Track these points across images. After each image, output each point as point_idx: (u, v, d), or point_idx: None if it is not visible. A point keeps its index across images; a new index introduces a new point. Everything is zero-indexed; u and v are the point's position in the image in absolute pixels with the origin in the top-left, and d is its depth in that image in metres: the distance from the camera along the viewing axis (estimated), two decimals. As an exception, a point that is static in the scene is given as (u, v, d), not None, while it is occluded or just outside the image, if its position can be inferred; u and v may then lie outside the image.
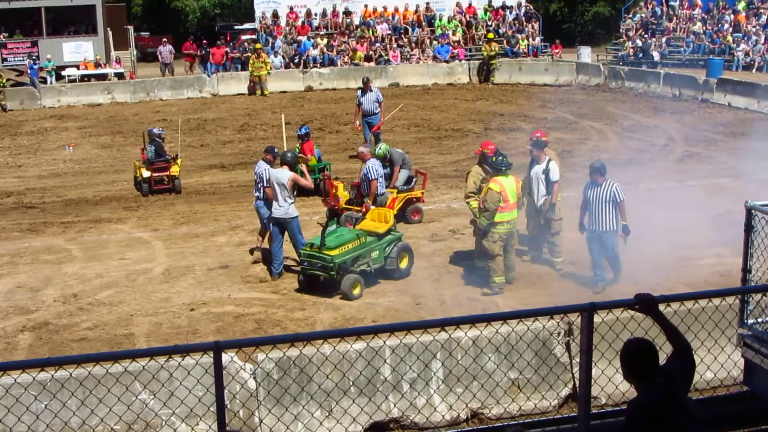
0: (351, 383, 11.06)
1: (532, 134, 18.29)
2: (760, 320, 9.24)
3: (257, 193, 17.92)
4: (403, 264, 17.08)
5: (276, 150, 18.50)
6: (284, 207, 17.04)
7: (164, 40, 51.75)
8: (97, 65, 48.55)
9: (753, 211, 8.87)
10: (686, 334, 10.21)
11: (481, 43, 50.12)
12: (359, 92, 28.45)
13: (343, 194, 20.31)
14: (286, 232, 17.24)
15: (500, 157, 16.09)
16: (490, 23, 53.96)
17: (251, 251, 18.47)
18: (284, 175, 17.12)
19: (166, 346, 12.23)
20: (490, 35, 49.81)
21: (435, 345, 11.24)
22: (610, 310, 8.07)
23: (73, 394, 9.87)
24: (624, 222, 15.55)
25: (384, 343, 11.11)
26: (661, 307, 6.77)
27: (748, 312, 9.11)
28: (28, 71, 46.55)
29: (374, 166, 19.41)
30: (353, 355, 10.95)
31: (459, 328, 11.37)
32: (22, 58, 49.50)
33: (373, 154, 20.51)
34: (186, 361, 10.16)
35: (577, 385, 10.06)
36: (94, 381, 9.84)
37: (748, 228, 8.93)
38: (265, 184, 17.56)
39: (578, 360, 9.28)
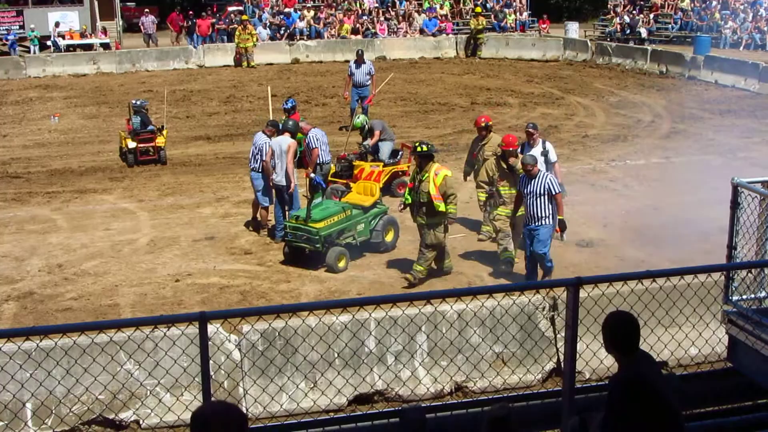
0: (336, 355, 11.08)
1: (478, 120, 18.12)
2: (744, 297, 9.26)
3: (254, 165, 18.01)
4: (389, 237, 17.11)
5: (279, 124, 18.72)
6: (282, 174, 17.47)
7: (146, 10, 51.29)
8: (82, 35, 48.16)
9: (739, 189, 8.88)
10: (671, 311, 10.34)
11: (468, 17, 50.02)
12: (352, 64, 28.38)
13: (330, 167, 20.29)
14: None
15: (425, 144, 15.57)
16: (478, -2, 53.80)
17: (257, 228, 18.41)
18: (285, 141, 17.63)
19: (151, 317, 12.26)
20: (478, 9, 49.62)
21: (420, 318, 11.25)
22: (596, 284, 8.07)
23: (58, 363, 9.86)
24: (560, 216, 14.64)
25: (369, 315, 11.12)
26: (647, 282, 6.78)
27: (733, 289, 9.13)
28: (8, 42, 46.38)
29: (315, 135, 19.33)
30: (338, 327, 10.95)
31: (445, 301, 11.42)
32: (6, 28, 49.13)
33: (353, 125, 21.10)
34: (171, 332, 10.14)
35: (562, 360, 10.08)
36: (79, 350, 9.81)
37: (734, 205, 8.95)
38: (263, 157, 17.77)
39: (563, 334, 9.31)
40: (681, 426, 6.46)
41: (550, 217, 14.49)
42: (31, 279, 15.63)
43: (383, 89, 32.07)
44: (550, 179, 14.60)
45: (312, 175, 18.21)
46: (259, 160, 17.89)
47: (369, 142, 20.68)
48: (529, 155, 15.24)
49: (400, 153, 21.02)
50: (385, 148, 20.71)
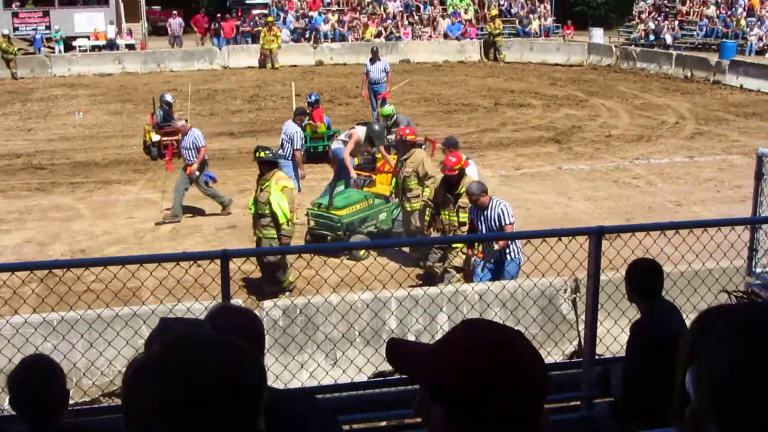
0: (357, 333, 11.08)
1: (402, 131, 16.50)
2: (768, 269, 9.24)
3: (282, 152, 18.15)
4: (411, 227, 17.12)
5: (306, 111, 19.12)
6: None
7: (174, 12, 51.54)
8: (112, 42, 48.24)
9: (764, 159, 8.85)
10: (692, 297, 10.29)
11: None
12: (368, 62, 28.61)
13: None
14: None
15: None
16: (502, 2, 53.81)
17: None
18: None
19: (175, 253, 12.33)
20: (493, 12, 49.64)
21: (442, 298, 11.23)
22: (618, 234, 8.08)
23: (82, 336, 9.89)
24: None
25: (391, 295, 11.12)
26: (670, 233, 6.75)
27: (756, 260, 9.10)
28: (33, 42, 46.76)
29: (199, 135, 19.29)
30: (360, 305, 10.94)
31: (465, 282, 11.41)
32: (33, 28, 49.46)
33: (381, 113, 21.16)
34: (194, 306, 10.17)
35: (583, 342, 10.04)
36: (102, 323, 9.86)
37: (758, 175, 8.92)
38: (295, 146, 18.26)
39: (584, 318, 9.28)
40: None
41: (516, 251, 12.96)
42: (54, 263, 15.71)
43: (406, 90, 32.13)
44: (502, 208, 12.89)
45: (210, 174, 18.84)
46: (288, 149, 18.08)
47: (392, 136, 20.69)
48: (475, 183, 13.47)
49: (423, 146, 21.00)
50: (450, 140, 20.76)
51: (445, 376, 2.12)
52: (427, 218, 15.20)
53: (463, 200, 13.79)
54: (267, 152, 14.22)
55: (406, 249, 15.99)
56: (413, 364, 2.29)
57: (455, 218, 14.14)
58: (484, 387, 2.06)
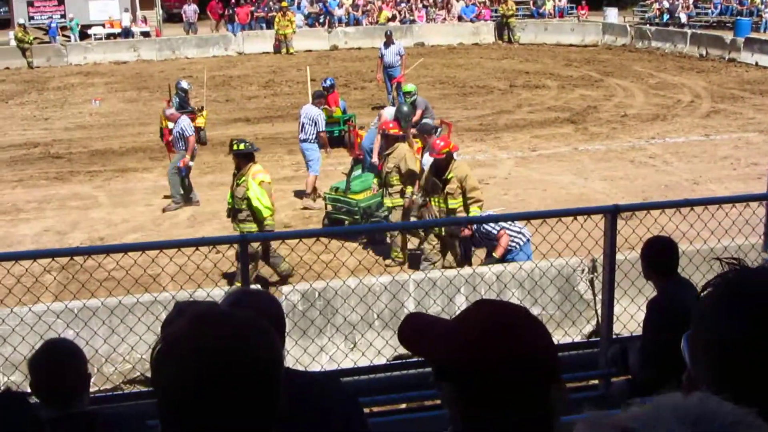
0: (376, 316, 11.15)
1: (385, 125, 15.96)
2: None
3: (306, 135, 18.47)
4: (428, 211, 17.16)
5: (324, 94, 20.15)
6: None
7: (189, -1, 51.72)
8: (127, 29, 48.32)
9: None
10: (713, 269, 10.30)
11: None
12: (382, 45, 28.61)
13: (368, 143, 20.34)
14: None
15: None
16: (516, -16, 53.79)
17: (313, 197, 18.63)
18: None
19: (194, 238, 12.43)
20: (506, -7, 49.66)
21: (459, 279, 11.29)
22: (633, 213, 8.12)
23: (104, 322, 9.99)
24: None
25: (409, 277, 11.21)
26: (685, 211, 6.80)
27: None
28: (48, 31, 47.01)
29: (188, 123, 19.31)
30: (378, 288, 11.02)
31: (483, 264, 11.48)
32: (49, 16, 49.65)
33: (403, 90, 21.17)
34: (214, 292, 10.26)
35: (600, 321, 10.10)
36: (123, 309, 9.96)
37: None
38: (320, 129, 18.51)
39: (601, 297, 9.33)
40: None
41: (522, 243, 13.01)
42: (73, 251, 15.83)
43: (422, 73, 32.16)
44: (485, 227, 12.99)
45: (191, 163, 18.75)
46: (311, 131, 18.36)
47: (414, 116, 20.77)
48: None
49: (440, 129, 21.03)
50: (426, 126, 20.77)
51: (452, 357, 2.19)
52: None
53: (452, 186, 13.53)
54: (244, 144, 13.86)
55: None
56: (423, 344, 2.35)
57: (444, 205, 13.70)
58: (489, 368, 2.13)
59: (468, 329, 2.21)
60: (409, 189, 14.99)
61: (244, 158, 13.65)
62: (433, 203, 13.87)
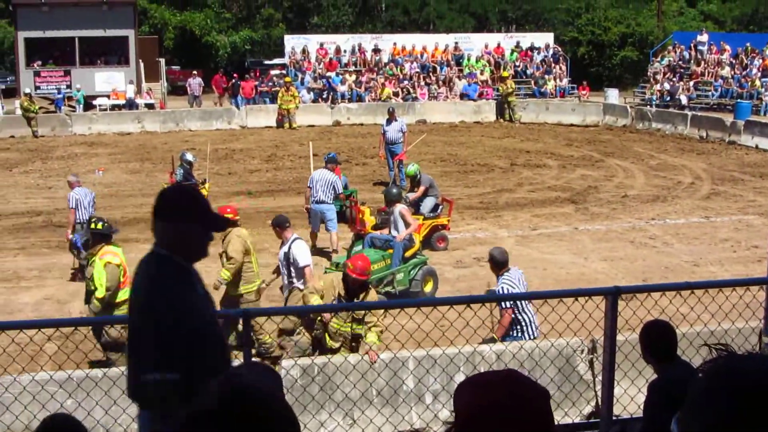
0: (376, 393, 11.15)
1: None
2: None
3: (323, 197, 19.93)
4: (428, 287, 17.20)
5: (336, 158, 21.66)
6: None
7: (194, 72, 52.00)
8: (131, 101, 48.63)
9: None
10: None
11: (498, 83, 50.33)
12: (384, 122, 28.84)
13: (370, 219, 20.40)
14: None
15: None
16: (518, 64, 54.29)
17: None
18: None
19: None
20: (505, 73, 49.99)
21: (460, 358, 11.30)
22: (634, 295, 8.16)
23: (106, 393, 9.96)
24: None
25: (410, 354, 11.21)
26: (685, 293, 6.84)
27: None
28: (55, 102, 47.49)
29: (75, 195, 19.60)
30: (378, 365, 11.04)
31: (484, 342, 11.50)
32: (55, 87, 50.13)
33: (406, 173, 21.99)
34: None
35: (600, 402, 10.11)
36: (124, 380, 9.96)
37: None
38: (339, 191, 20.27)
39: (601, 378, 9.36)
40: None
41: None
42: (73, 321, 15.84)
43: (422, 150, 32.37)
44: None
45: (70, 236, 18.84)
46: (329, 194, 19.83)
47: (411, 195, 20.92)
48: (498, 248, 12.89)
49: (441, 207, 21.16)
50: (428, 203, 20.90)
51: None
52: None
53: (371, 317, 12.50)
54: (102, 224, 13.04)
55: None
56: None
57: (348, 328, 12.53)
58: None
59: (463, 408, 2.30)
60: (224, 274, 14.33)
61: (99, 238, 12.89)
62: (336, 325, 12.55)
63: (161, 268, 5.16)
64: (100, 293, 12.51)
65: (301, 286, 14.17)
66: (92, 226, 13.00)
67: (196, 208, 5.20)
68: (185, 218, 5.13)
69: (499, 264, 12.38)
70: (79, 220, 18.98)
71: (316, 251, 20.14)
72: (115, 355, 12.42)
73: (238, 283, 14.50)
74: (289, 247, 14.47)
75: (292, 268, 14.50)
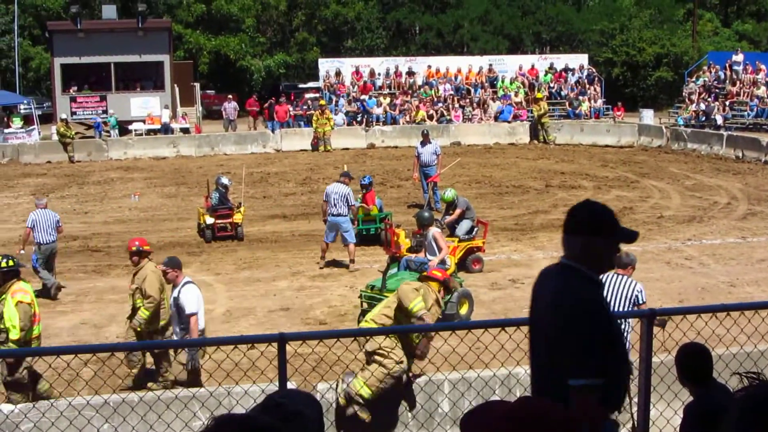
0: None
1: None
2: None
3: (340, 210, 20.96)
4: (463, 310, 17.15)
5: (350, 174, 22.47)
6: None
7: (229, 96, 52.19)
8: (167, 125, 48.83)
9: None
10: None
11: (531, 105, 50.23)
12: (418, 144, 28.88)
13: (404, 242, 20.42)
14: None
15: None
16: (552, 85, 54.25)
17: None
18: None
19: (232, 336, 12.45)
20: (539, 95, 49.85)
21: (494, 381, 11.29)
22: (669, 317, 8.14)
23: (142, 417, 10.02)
24: None
25: (445, 377, 11.20)
26: (721, 315, 6.82)
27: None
28: (95, 126, 47.99)
29: (35, 218, 19.54)
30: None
31: (519, 365, 11.46)
32: (91, 112, 50.58)
33: (442, 198, 22.02)
34: (252, 389, 10.31)
35: (635, 425, 10.05)
36: (161, 405, 10.02)
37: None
38: (351, 202, 21.20)
39: (636, 400, 9.30)
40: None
41: None
42: (110, 345, 15.92)
43: (457, 172, 32.37)
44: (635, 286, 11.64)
45: (22, 251, 19.17)
46: (343, 207, 20.79)
47: (447, 218, 20.94)
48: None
49: (476, 229, 21.13)
50: (464, 226, 20.89)
51: None
52: None
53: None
54: (10, 261, 12.85)
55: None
56: None
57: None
58: None
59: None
60: (143, 313, 13.86)
61: (9, 275, 12.73)
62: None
63: (575, 280, 5.36)
64: (15, 335, 12.38)
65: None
66: (2, 264, 12.71)
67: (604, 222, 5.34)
68: (593, 232, 5.26)
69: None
70: (38, 241, 19.51)
71: (329, 263, 21.47)
72: (16, 395, 12.43)
73: (153, 321, 14.02)
74: (179, 292, 13.43)
75: (181, 315, 13.46)
